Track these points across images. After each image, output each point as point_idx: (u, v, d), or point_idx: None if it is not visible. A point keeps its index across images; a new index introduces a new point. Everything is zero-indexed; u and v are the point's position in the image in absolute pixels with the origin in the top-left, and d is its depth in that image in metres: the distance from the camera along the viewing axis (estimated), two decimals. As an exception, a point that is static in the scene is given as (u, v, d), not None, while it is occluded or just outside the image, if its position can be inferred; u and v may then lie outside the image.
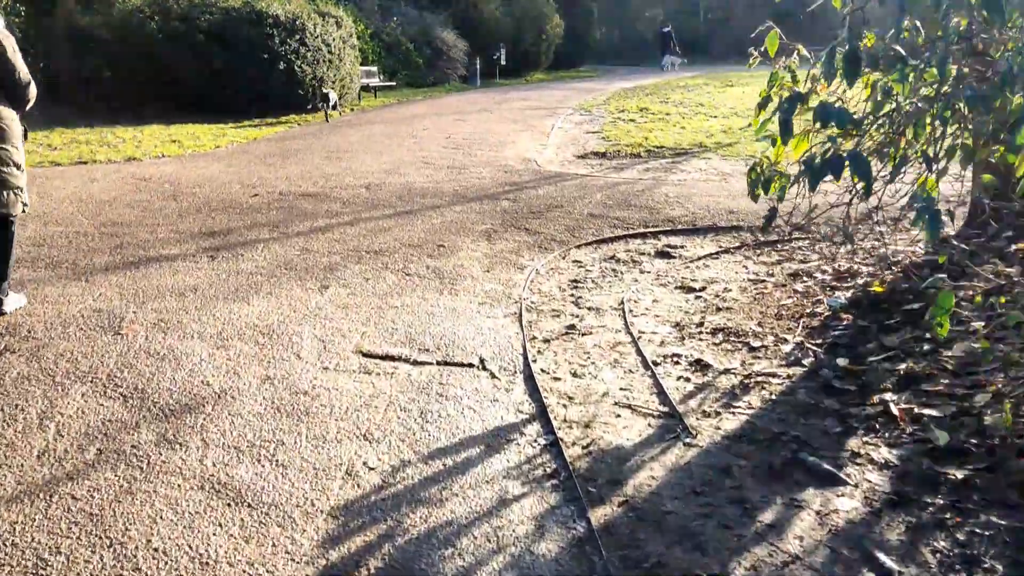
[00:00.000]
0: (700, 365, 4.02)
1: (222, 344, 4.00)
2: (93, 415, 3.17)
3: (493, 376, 3.83)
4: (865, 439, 3.24)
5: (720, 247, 6.33)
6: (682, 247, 6.35)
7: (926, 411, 3.41)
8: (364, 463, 2.92)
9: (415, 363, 3.94)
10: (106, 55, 15.01)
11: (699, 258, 6.02)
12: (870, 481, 2.95)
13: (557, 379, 3.85)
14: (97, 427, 3.06)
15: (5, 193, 4.23)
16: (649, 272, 5.68)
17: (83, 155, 10.40)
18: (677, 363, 4.06)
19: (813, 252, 6.05)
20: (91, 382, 3.47)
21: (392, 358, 3.98)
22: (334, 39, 17.41)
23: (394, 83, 22.38)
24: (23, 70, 4.24)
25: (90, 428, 3.06)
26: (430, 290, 5.13)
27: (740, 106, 18.13)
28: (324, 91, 15.95)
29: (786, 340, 4.31)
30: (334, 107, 16.38)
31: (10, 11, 14.44)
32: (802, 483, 2.93)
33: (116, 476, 2.72)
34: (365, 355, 3.99)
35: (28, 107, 4.40)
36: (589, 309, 4.88)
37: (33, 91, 4.35)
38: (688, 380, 3.85)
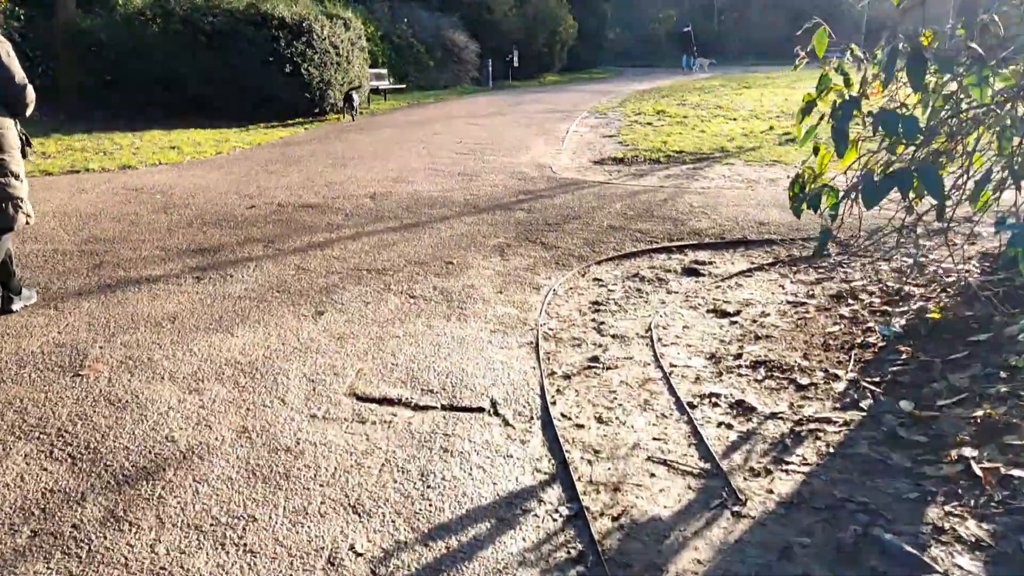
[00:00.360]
0: (742, 408, 3.51)
1: (196, 387, 3.51)
2: (34, 483, 2.69)
3: (506, 423, 3.33)
4: (947, 508, 2.72)
5: (752, 263, 5.80)
6: (711, 263, 5.83)
7: (1015, 471, 2.89)
8: (351, 546, 2.42)
9: (417, 408, 3.44)
10: (107, 59, 14.62)
11: (730, 276, 5.50)
12: (961, 568, 2.43)
13: (580, 426, 3.35)
14: (36, 500, 2.58)
15: (4, 204, 4.09)
16: (677, 292, 5.17)
17: (76, 163, 9.98)
18: (716, 405, 3.55)
19: (855, 270, 5.52)
20: (38, 439, 3.00)
21: (391, 401, 3.49)
22: (342, 41, 16.97)
23: (404, 86, 21.93)
24: (19, 74, 4.09)
25: (28, 501, 2.58)
26: (437, 315, 4.64)
27: (759, 109, 17.56)
28: (348, 92, 16.30)
29: (837, 376, 3.79)
30: (356, 108, 16.66)
31: (9, 14, 14.08)
32: (879, 570, 2.41)
33: (47, 569, 2.23)
34: (360, 398, 3.50)
35: (27, 112, 4.25)
36: (613, 337, 4.38)
37: (31, 95, 4.20)
38: (730, 427, 3.33)
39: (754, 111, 17.05)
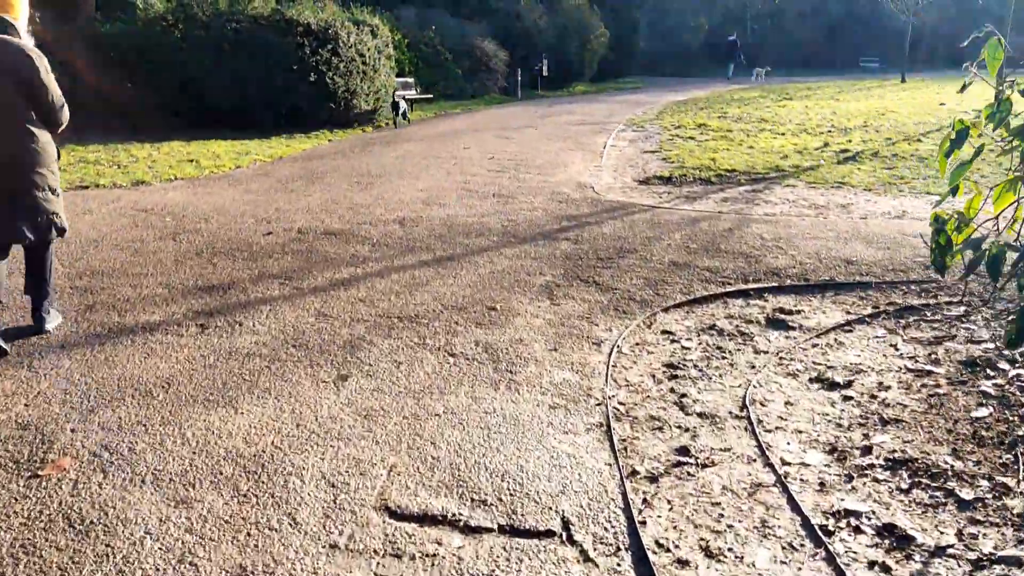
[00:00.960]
0: (895, 536, 2.67)
1: (184, 496, 2.72)
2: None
3: (586, 557, 2.52)
4: None
5: (848, 313, 4.94)
6: (798, 312, 4.98)
7: None
8: None
9: (468, 530, 2.64)
10: (127, 66, 14.02)
11: (827, 331, 4.64)
12: None
13: (683, 564, 2.52)
14: None
15: (40, 218, 4.17)
16: (766, 352, 4.33)
17: (86, 178, 9.31)
18: (859, 530, 2.71)
19: (977, 323, 4.65)
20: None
21: (434, 520, 2.69)
22: (368, 49, 16.29)
23: (431, 96, 21.23)
24: (56, 92, 4.16)
25: None
26: (482, 382, 3.84)
27: (807, 122, 16.64)
28: (394, 99, 16.89)
29: (1008, 488, 2.93)
30: (404, 115, 17.01)
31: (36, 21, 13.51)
32: None
33: None
34: (394, 514, 2.70)
35: (61, 129, 4.32)
36: (701, 416, 3.55)
37: (66, 114, 4.27)
38: (887, 571, 2.49)
39: (802, 125, 16.14)
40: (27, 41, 4.11)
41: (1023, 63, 3.19)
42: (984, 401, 3.62)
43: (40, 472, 2.84)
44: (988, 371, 3.94)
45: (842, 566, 2.49)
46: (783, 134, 14.84)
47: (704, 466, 3.13)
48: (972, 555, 2.55)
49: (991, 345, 4.28)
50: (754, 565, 2.52)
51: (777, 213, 7.87)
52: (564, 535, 2.64)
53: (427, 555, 2.49)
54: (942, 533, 2.67)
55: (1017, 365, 3.97)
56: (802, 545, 2.62)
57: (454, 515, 2.71)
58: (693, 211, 8.00)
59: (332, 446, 3.15)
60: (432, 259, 6.05)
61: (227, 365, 3.93)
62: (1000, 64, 2.95)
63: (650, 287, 5.45)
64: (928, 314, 4.87)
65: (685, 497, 2.91)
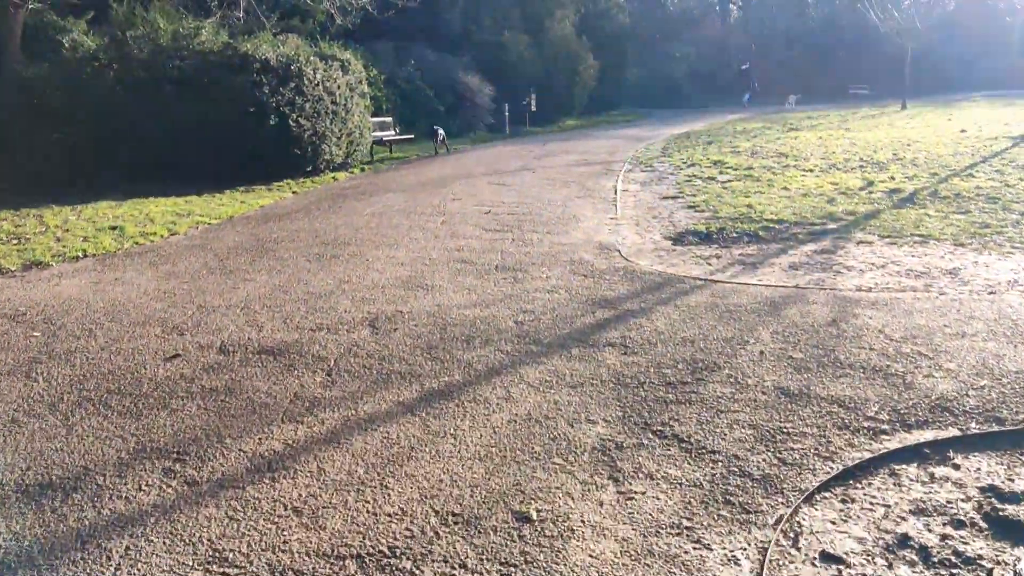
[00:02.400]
0: None
1: None
2: None
3: None
4: None
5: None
6: (1021, 492, 2.96)
7: None
8: None
9: None
10: (54, 113, 11.96)
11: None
12: None
13: None
14: None
15: None
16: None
17: (-35, 260, 7.20)
18: None
19: None
20: None
21: None
22: (339, 86, 14.35)
23: (412, 136, 19.31)
24: None
25: None
26: None
27: (831, 156, 14.80)
28: (434, 128, 18.56)
29: None
30: (443, 142, 18.64)
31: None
32: None
33: None
34: None
35: None
36: None
37: None
38: None
39: (828, 159, 14.29)
40: None
41: None
42: None
43: None
44: None
45: None
46: (811, 171, 12.98)
47: None
48: None
49: None
50: None
51: (874, 287, 5.89)
52: None
53: None
54: None
55: None
56: None
57: None
58: (763, 286, 6.00)
59: None
60: (418, 397, 3.98)
61: None
62: None
63: (767, 446, 3.41)
64: None
65: None
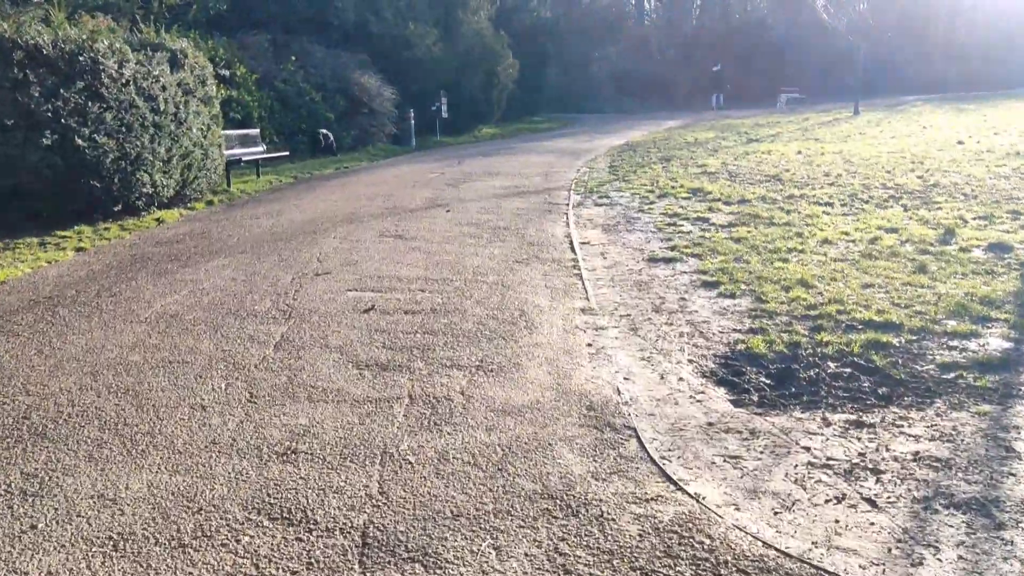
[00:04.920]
0: None
1: None
2: None
3: None
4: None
5: None
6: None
7: None
8: None
9: None
10: None
11: None
12: None
13: None
14: None
15: None
16: None
17: None
18: None
19: None
20: None
21: None
22: (165, 88, 9.92)
23: (288, 152, 14.92)
24: None
25: None
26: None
27: (839, 180, 11.23)
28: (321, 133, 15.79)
29: None
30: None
31: None
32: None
33: None
34: None
35: None
36: None
37: None
38: None
39: (836, 184, 10.72)
40: None
41: None
42: None
43: None
44: None
45: None
46: (830, 204, 9.40)
47: None
48: None
49: None
50: None
51: None
52: None
53: None
54: None
55: None
56: None
57: None
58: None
59: None
60: None
61: None
62: None
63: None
64: None
65: None
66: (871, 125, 22.06)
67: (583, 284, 6.30)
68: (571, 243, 7.87)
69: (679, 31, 50.30)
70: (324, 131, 17.48)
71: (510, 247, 7.64)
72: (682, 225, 8.68)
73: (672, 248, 7.53)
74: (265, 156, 13.71)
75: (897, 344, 4.70)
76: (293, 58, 18.41)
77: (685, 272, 6.62)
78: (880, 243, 7.34)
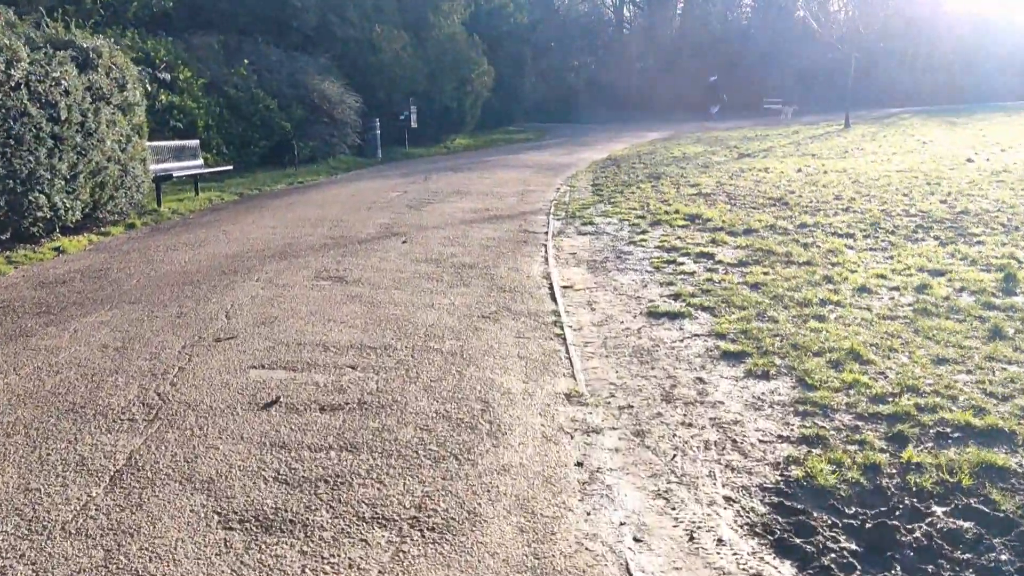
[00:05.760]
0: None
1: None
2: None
3: None
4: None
5: None
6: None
7: None
8: None
9: None
10: None
11: None
12: None
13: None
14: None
15: None
16: None
17: None
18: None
19: None
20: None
21: None
22: (70, 91, 8.33)
23: (231, 166, 13.32)
24: None
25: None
26: None
27: (854, 204, 9.88)
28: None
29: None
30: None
31: None
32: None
33: None
34: None
35: None
36: None
37: None
38: None
39: (851, 210, 9.37)
40: None
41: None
42: None
43: None
44: None
45: None
46: (851, 236, 8.01)
47: None
48: None
49: None
50: None
51: None
52: None
53: None
54: None
55: None
56: None
57: None
58: None
59: None
60: None
61: None
62: None
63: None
64: None
65: None
66: (866, 139, 20.88)
67: (567, 352, 4.83)
68: (551, 287, 6.41)
69: (659, 40, 49.14)
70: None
71: (475, 294, 6.15)
72: (683, 263, 7.25)
73: (675, 296, 6.08)
74: (203, 171, 12.09)
75: (1019, 469, 3.27)
76: (246, 61, 16.82)
77: (698, 335, 5.17)
78: (931, 292, 5.94)
